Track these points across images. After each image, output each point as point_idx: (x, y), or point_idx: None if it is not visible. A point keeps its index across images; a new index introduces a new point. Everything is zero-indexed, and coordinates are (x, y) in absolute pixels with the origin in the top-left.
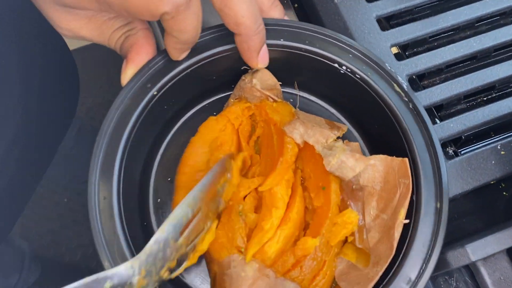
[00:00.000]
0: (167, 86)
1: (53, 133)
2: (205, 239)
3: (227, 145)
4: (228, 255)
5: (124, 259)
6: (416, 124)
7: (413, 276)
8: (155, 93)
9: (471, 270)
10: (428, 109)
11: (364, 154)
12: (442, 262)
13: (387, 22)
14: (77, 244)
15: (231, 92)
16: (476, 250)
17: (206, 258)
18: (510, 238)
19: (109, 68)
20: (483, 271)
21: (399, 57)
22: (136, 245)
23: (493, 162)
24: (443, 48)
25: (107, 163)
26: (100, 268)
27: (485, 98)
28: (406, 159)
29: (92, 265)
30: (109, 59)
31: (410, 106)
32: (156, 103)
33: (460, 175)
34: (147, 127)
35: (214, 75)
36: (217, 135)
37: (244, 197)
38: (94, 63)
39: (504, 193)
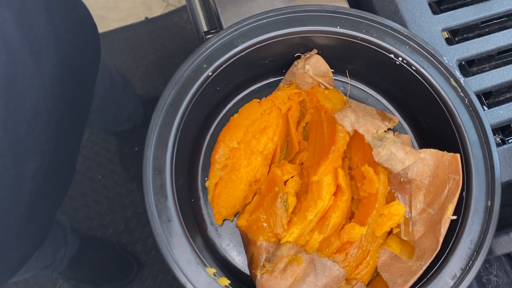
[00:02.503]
0: (222, 68)
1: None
2: None
3: (271, 128)
4: (266, 241)
5: (174, 231)
6: (471, 120)
7: (458, 272)
8: (210, 73)
9: (511, 258)
10: (477, 95)
11: (414, 147)
12: None
13: (438, 6)
14: (109, 219)
15: (282, 77)
16: None
17: (243, 238)
18: None
19: (135, 52)
20: None
21: (449, 42)
22: (185, 219)
23: None
24: (495, 34)
25: (162, 139)
26: (130, 244)
27: None
28: (458, 155)
29: (123, 240)
30: (135, 42)
31: (466, 102)
32: (210, 84)
33: (508, 163)
34: (200, 107)
35: (266, 59)
36: (258, 117)
37: (285, 181)
38: (120, 46)
39: None
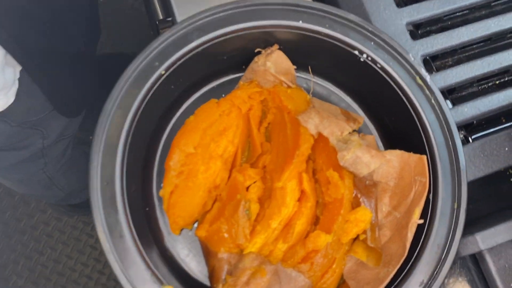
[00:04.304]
0: (176, 65)
1: None
2: None
3: (230, 130)
4: (228, 252)
5: (126, 247)
6: (437, 120)
7: (426, 278)
8: (162, 72)
9: (475, 256)
10: (441, 92)
11: (379, 148)
12: None
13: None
14: None
15: (242, 73)
16: (486, 239)
17: (203, 249)
18: None
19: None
20: (488, 258)
21: (413, 35)
22: (139, 232)
23: (506, 148)
24: (459, 28)
25: (111, 146)
26: None
27: (497, 82)
28: (424, 157)
29: None
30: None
31: (432, 101)
32: (163, 83)
33: (473, 162)
34: (152, 109)
35: (225, 55)
36: (216, 118)
37: (247, 187)
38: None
39: None
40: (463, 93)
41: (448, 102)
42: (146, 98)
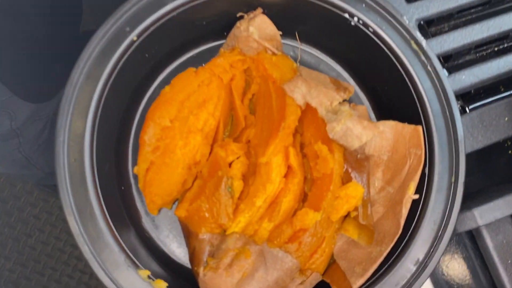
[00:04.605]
0: (149, 31)
1: None
2: None
3: (211, 102)
4: (209, 233)
5: (98, 229)
6: (433, 88)
7: (421, 256)
8: (134, 38)
9: (471, 233)
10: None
11: (371, 119)
12: None
13: None
14: None
15: (224, 41)
16: (484, 214)
17: (183, 230)
18: None
19: None
20: (486, 234)
21: None
22: (112, 212)
23: (506, 118)
24: None
25: (78, 120)
26: None
27: (496, 49)
28: (420, 127)
29: None
30: None
31: (428, 67)
32: (136, 51)
33: (471, 133)
34: (125, 79)
35: (204, 20)
36: (194, 89)
37: (230, 163)
38: None
39: (510, 151)
40: (460, 61)
41: (444, 71)
42: (117, 67)
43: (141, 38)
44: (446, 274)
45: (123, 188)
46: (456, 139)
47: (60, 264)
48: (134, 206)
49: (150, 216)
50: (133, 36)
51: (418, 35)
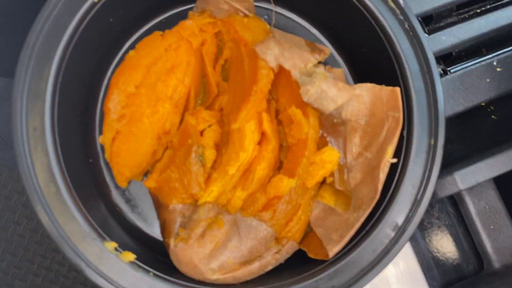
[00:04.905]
0: None
1: None
2: None
3: (180, 68)
4: (181, 203)
5: (63, 205)
6: (412, 47)
7: (400, 221)
8: (95, 0)
9: (454, 199)
10: None
11: (348, 83)
12: None
13: None
14: None
15: (194, 5)
16: (465, 178)
17: (154, 201)
18: (501, 165)
19: None
20: (468, 200)
21: None
22: (79, 185)
23: (487, 80)
24: None
25: (37, 86)
26: None
27: (478, 10)
28: (398, 88)
29: None
30: None
31: (406, 26)
32: (98, 14)
33: (451, 95)
34: (88, 46)
35: None
36: (161, 54)
37: (202, 131)
38: None
39: (493, 116)
40: (441, 24)
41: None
42: (78, 31)
43: (102, 1)
44: (428, 241)
45: (90, 160)
46: (435, 100)
47: (49, 252)
48: (103, 179)
49: (121, 189)
50: None
51: None
